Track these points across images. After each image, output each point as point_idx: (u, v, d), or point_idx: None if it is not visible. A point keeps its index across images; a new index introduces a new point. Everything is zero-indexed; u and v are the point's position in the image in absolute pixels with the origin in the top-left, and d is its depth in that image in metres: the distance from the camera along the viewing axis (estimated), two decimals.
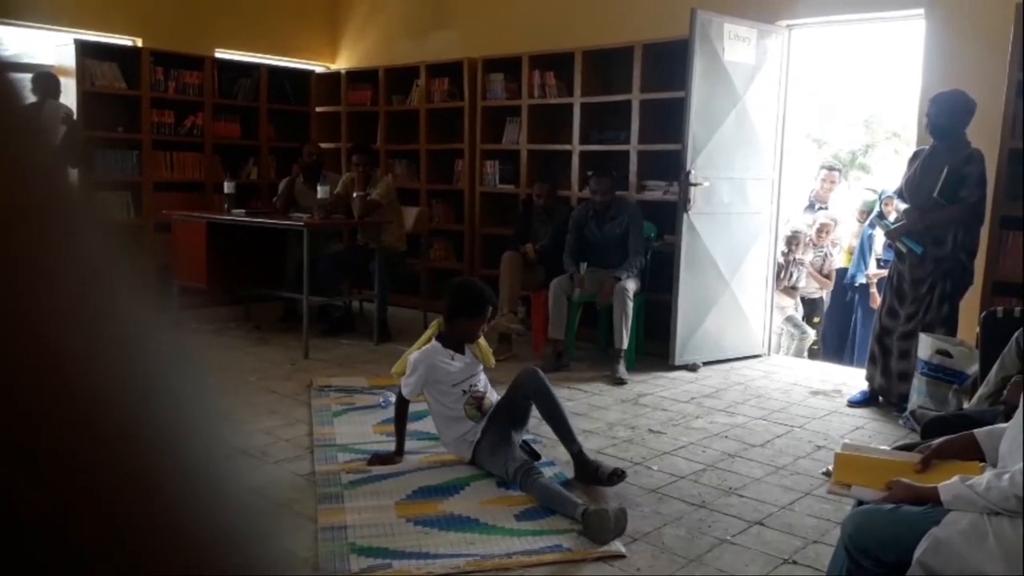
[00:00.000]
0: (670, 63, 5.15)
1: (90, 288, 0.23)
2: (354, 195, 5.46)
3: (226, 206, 5.53)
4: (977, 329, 3.61)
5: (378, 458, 3.19)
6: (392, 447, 3.24)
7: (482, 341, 3.26)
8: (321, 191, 5.24)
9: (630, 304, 4.65)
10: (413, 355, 3.16)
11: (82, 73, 5.80)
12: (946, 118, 3.85)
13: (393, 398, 3.96)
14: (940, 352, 3.68)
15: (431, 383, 3.13)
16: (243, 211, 5.54)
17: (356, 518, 2.67)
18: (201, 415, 0.26)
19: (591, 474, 3.00)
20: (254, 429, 3.56)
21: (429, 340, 3.22)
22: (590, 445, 3.31)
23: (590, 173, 5.13)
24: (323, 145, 6.40)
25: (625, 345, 4.66)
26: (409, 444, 3.28)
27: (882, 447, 2.63)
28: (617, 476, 2.97)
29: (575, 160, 5.76)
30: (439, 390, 3.13)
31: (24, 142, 0.23)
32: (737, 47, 4.87)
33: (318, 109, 7.25)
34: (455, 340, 3.18)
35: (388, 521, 2.66)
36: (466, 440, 3.13)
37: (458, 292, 3.23)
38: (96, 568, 0.21)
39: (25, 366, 0.21)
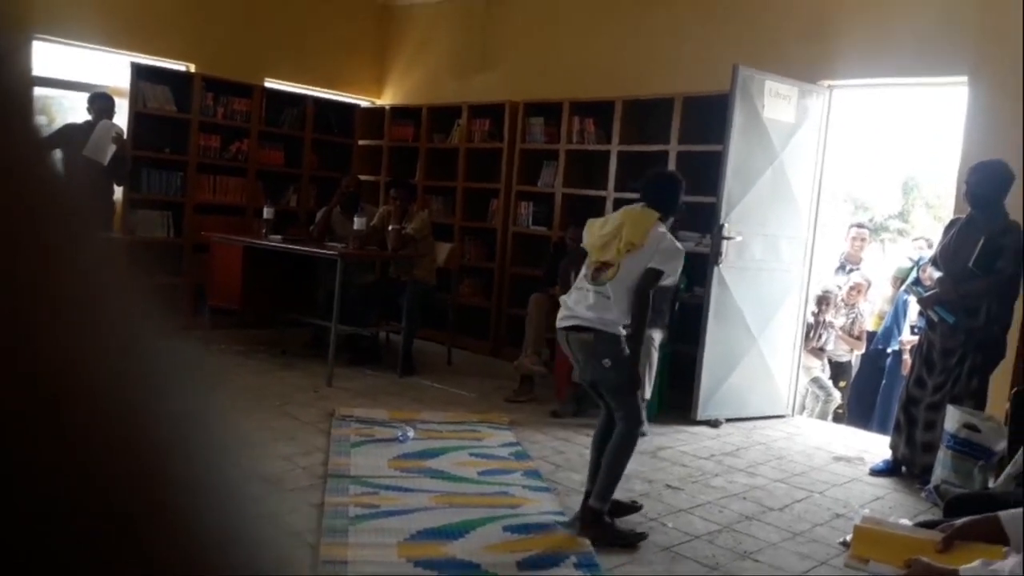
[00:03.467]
0: (709, 117, 5.18)
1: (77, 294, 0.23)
2: (389, 228, 5.54)
3: (264, 231, 5.63)
4: (1007, 405, 3.53)
5: None
6: (408, 483, 3.20)
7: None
8: (358, 222, 5.32)
9: (654, 354, 4.62)
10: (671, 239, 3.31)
11: (135, 95, 5.98)
12: (985, 188, 3.82)
13: (412, 433, 3.99)
14: (967, 426, 3.60)
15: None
16: (280, 237, 5.64)
17: (357, 554, 2.66)
18: (192, 425, 0.26)
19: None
20: (272, 454, 3.58)
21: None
22: None
23: None
24: (363, 177, 6.51)
25: (648, 396, 4.61)
26: (421, 482, 3.27)
27: (903, 521, 2.57)
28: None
29: (609, 206, 5.78)
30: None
31: (17, 151, 0.23)
32: (777, 104, 4.89)
33: (361, 142, 7.39)
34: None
35: (389, 560, 2.65)
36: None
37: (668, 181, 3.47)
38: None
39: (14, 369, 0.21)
